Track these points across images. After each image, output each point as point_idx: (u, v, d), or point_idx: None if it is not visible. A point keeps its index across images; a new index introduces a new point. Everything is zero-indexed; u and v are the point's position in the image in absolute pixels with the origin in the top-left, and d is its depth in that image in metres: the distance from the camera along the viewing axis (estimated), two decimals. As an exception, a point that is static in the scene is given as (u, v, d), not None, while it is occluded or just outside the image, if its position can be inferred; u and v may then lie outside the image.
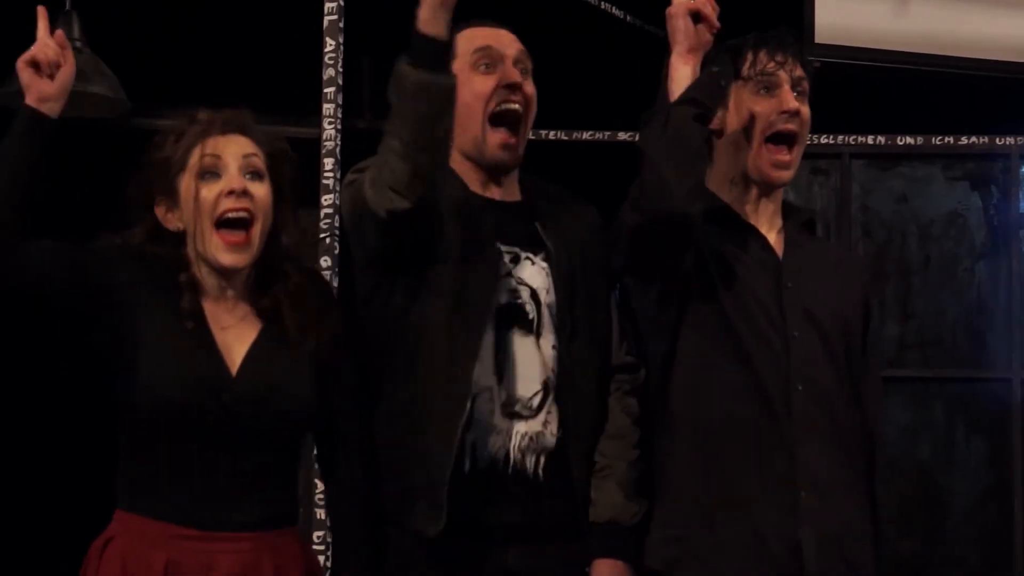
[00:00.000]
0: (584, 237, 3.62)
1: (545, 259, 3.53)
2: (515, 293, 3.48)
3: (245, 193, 3.24)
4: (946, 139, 6.51)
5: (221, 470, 3.23)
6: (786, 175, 3.72)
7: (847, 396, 3.62)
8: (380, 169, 3.30)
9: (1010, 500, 6.33)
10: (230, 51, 6.51)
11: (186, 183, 3.25)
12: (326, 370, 3.34)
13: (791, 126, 3.63)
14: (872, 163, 6.66)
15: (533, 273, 3.51)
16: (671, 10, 3.50)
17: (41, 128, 3.21)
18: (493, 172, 3.57)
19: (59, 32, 3.31)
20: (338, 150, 5.30)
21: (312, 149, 5.16)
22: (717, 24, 3.52)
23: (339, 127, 5.31)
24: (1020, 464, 6.30)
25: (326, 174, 5.07)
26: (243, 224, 3.24)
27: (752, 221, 3.69)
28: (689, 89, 3.47)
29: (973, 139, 6.43)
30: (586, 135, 6.45)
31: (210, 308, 3.29)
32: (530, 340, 3.47)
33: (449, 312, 3.42)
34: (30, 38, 3.26)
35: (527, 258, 3.52)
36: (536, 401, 3.46)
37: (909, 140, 6.58)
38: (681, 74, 3.50)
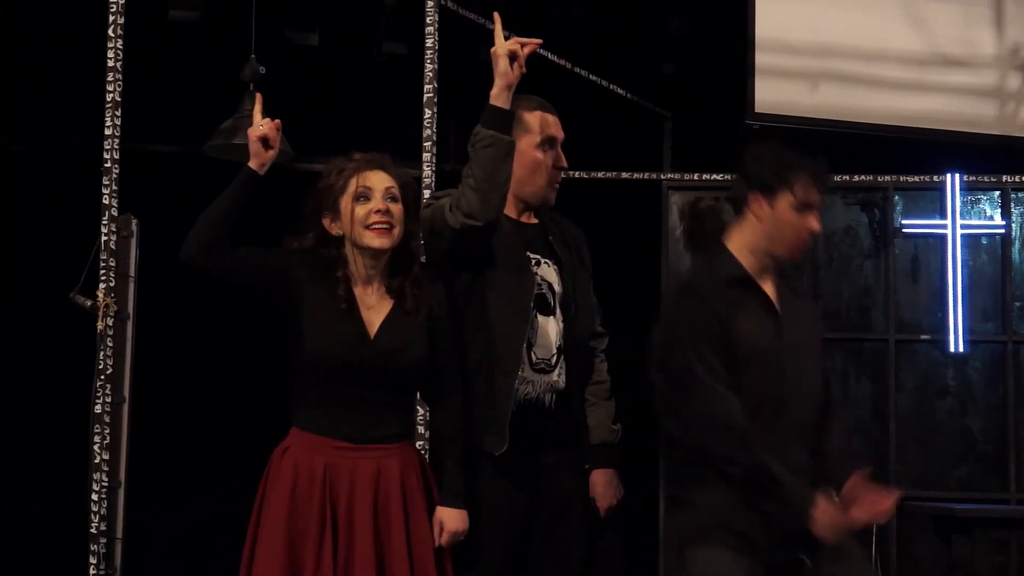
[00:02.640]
0: (577, 246, 3.65)
1: (556, 263, 3.56)
2: (539, 287, 3.50)
3: (387, 212, 3.28)
4: (844, 176, 6.48)
5: (363, 401, 3.27)
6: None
7: None
8: (459, 199, 3.33)
9: (887, 424, 6.29)
10: (362, 116, 6.54)
11: (345, 203, 3.29)
12: (434, 334, 3.36)
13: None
14: (793, 193, 6.61)
15: (548, 272, 3.56)
16: (495, 51, 3.34)
17: (255, 183, 3.29)
18: (532, 208, 3.58)
19: (277, 120, 3.35)
20: (433, 185, 5.32)
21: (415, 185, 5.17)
22: (524, 69, 3.34)
23: (434, 169, 5.33)
24: (892, 399, 6.27)
25: (424, 201, 5.08)
26: (386, 229, 3.28)
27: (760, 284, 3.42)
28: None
29: (862, 177, 6.40)
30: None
31: (359, 292, 3.31)
32: (549, 319, 3.51)
33: (503, 300, 3.45)
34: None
35: (545, 262, 3.56)
36: (553, 360, 3.48)
37: (818, 178, 6.53)
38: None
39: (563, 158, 3.60)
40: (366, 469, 3.24)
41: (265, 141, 3.31)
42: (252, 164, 3.30)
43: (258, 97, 3.44)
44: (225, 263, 3.26)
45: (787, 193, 3.35)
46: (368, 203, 3.28)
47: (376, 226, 3.27)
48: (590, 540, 3.59)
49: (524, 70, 3.33)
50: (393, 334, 3.28)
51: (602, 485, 3.63)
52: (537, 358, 3.49)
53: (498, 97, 3.32)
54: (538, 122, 3.56)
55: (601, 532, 3.64)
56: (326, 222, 3.32)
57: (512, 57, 3.31)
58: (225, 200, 3.26)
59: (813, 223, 3.38)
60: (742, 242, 3.43)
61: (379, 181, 3.31)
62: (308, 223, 3.34)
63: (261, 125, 3.31)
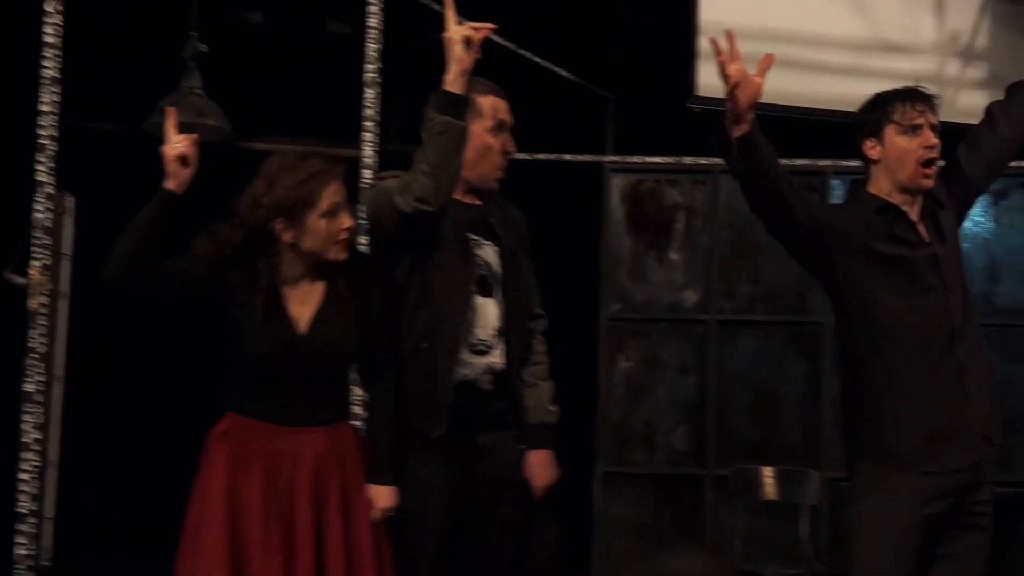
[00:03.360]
0: (517, 228, 3.66)
1: (497, 244, 3.57)
2: (480, 268, 3.51)
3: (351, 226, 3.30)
4: (784, 161, 6.49)
5: (298, 388, 3.27)
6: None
7: None
8: (410, 183, 3.32)
9: (819, 401, 6.37)
10: (302, 95, 6.51)
11: (314, 218, 3.23)
12: (368, 317, 3.36)
13: (933, 154, 3.50)
14: (733, 177, 6.64)
15: (489, 254, 3.55)
16: (449, 36, 3.30)
17: (174, 203, 3.24)
18: (476, 190, 3.59)
19: (194, 135, 3.29)
20: (374, 165, 5.29)
21: (356, 165, 5.15)
22: (478, 54, 3.31)
23: (376, 149, 5.30)
24: (827, 378, 6.33)
25: (365, 182, 5.06)
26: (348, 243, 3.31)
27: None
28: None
29: (802, 161, 6.45)
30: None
31: (289, 289, 3.30)
32: (489, 301, 3.52)
33: (446, 282, 3.46)
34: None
35: (486, 243, 3.56)
36: (492, 341, 3.50)
37: (759, 162, 6.58)
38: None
39: (511, 143, 3.60)
40: (305, 451, 3.24)
41: (183, 159, 3.24)
42: (169, 185, 3.23)
43: (170, 112, 3.32)
44: (149, 284, 3.23)
45: (889, 124, 3.49)
46: (337, 219, 3.26)
47: (342, 240, 3.28)
48: (525, 521, 3.61)
49: (479, 55, 3.31)
50: (324, 326, 3.28)
51: (538, 466, 3.65)
52: (476, 339, 3.49)
53: (453, 83, 3.29)
54: (490, 107, 3.55)
55: (536, 513, 3.66)
56: (277, 228, 3.25)
57: (466, 42, 3.29)
58: (143, 223, 3.20)
59: (928, 139, 3.47)
60: (876, 189, 3.54)
61: (341, 192, 3.29)
62: (249, 223, 3.26)
63: (177, 143, 3.24)
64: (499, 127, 3.56)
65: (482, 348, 3.49)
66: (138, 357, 6.57)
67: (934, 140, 3.47)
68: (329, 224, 3.25)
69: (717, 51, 3.33)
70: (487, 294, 3.52)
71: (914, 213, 3.51)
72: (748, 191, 3.48)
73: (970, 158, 3.62)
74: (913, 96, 3.51)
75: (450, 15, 3.32)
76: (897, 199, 3.50)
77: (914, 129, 3.47)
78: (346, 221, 3.27)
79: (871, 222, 3.47)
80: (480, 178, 3.57)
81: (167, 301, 3.32)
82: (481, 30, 3.31)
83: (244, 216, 3.25)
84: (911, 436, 3.36)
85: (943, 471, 3.35)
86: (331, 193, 3.25)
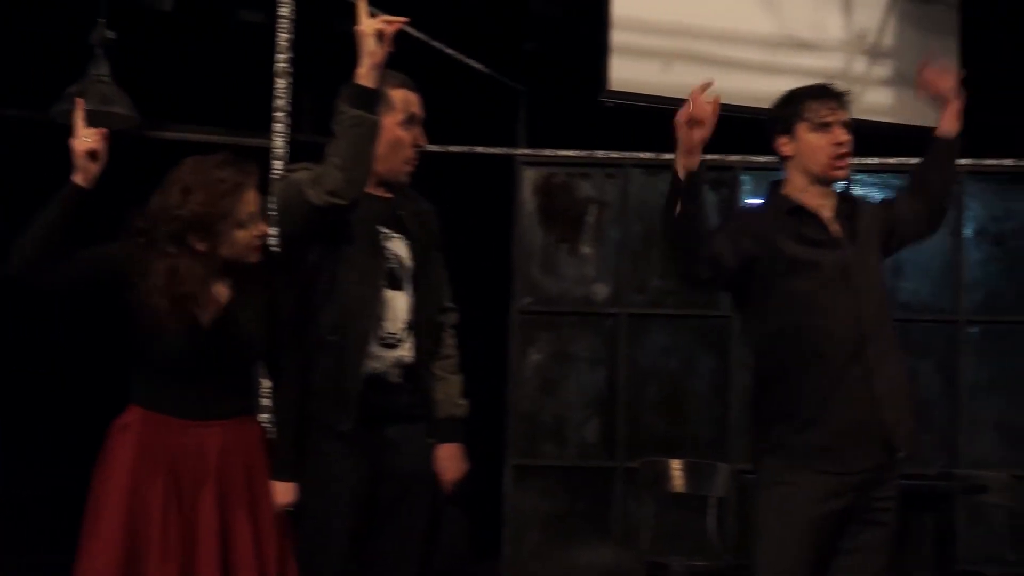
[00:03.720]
0: (427, 221, 3.66)
1: (406, 237, 3.56)
2: (389, 261, 3.50)
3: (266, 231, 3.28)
4: (694, 156, 6.57)
5: (203, 382, 3.24)
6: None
7: None
8: (322, 177, 3.29)
9: (727, 394, 6.43)
10: (211, 84, 6.43)
11: (230, 227, 3.21)
12: (274, 311, 3.34)
13: (844, 150, 3.57)
14: (646, 171, 6.71)
15: (399, 247, 3.54)
16: (361, 29, 3.25)
17: (81, 197, 3.17)
18: (387, 184, 3.58)
19: (103, 130, 3.22)
20: (285, 155, 5.25)
21: (266, 155, 5.12)
22: (391, 47, 3.28)
23: (287, 140, 5.27)
24: (735, 371, 6.39)
25: (275, 172, 5.02)
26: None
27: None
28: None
29: (711, 156, 6.46)
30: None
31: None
32: (398, 294, 3.51)
33: (355, 275, 3.44)
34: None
35: (395, 236, 3.55)
36: (401, 335, 3.49)
37: (669, 156, 6.58)
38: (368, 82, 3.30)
39: (422, 137, 3.59)
40: (210, 444, 3.22)
41: (93, 154, 3.19)
42: (77, 179, 3.17)
43: (79, 104, 3.25)
44: (54, 279, 3.16)
45: (801, 122, 3.55)
46: (253, 228, 3.25)
47: (258, 245, 3.27)
48: (434, 515, 3.60)
49: (391, 49, 3.28)
50: (230, 320, 3.26)
51: (447, 459, 3.64)
52: (385, 333, 3.48)
53: (366, 76, 3.26)
54: (402, 100, 3.54)
55: (445, 507, 3.65)
56: (192, 239, 3.21)
57: (379, 36, 3.26)
58: (50, 217, 3.13)
59: (838, 136, 3.53)
60: (790, 188, 3.59)
61: (256, 200, 3.27)
62: (163, 234, 3.20)
63: (87, 138, 3.18)
64: (410, 120, 3.55)
65: (391, 342, 3.48)
66: (41, 347, 6.45)
67: (844, 137, 3.53)
68: (245, 234, 3.24)
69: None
70: (396, 287, 3.51)
71: (827, 210, 3.56)
72: (684, 240, 3.41)
73: (906, 213, 3.71)
74: (824, 94, 3.57)
75: (362, 8, 3.29)
76: (811, 196, 3.55)
77: (825, 126, 3.53)
78: (262, 228, 3.26)
79: (783, 224, 3.51)
80: (390, 171, 3.56)
81: (73, 294, 3.27)
82: (393, 23, 3.27)
83: (158, 226, 3.20)
84: (814, 437, 3.40)
85: (845, 472, 3.40)
86: (247, 204, 3.23)
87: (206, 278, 3.24)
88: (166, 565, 3.11)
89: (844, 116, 3.56)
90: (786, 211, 3.54)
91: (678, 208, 3.31)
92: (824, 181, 3.56)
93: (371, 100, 3.28)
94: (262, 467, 3.30)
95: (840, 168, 3.54)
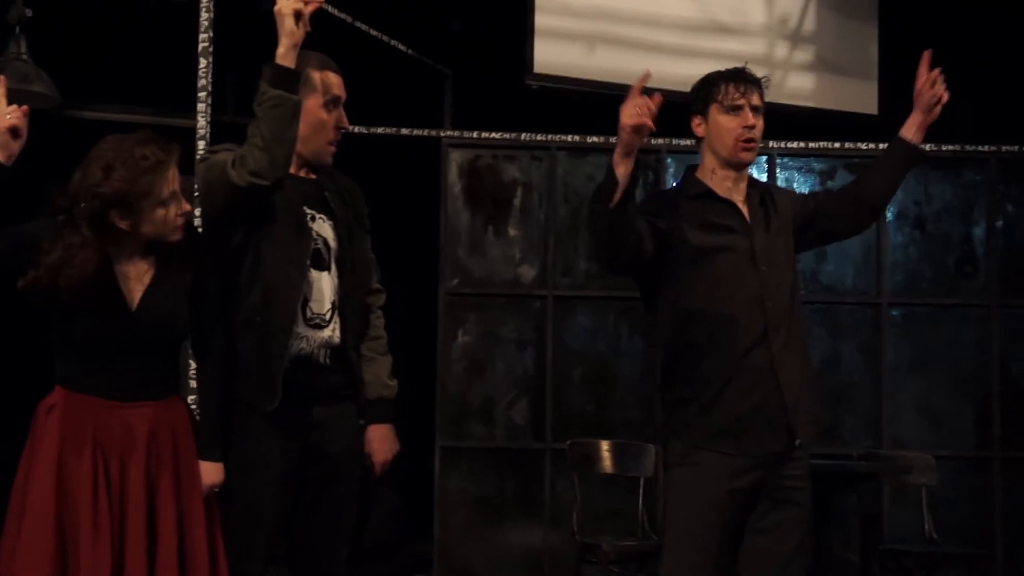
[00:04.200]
0: (353, 202, 3.64)
1: (331, 218, 3.53)
2: (315, 242, 3.47)
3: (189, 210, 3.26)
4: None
5: (132, 364, 3.21)
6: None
7: None
8: (244, 157, 3.27)
9: (654, 377, 6.43)
10: (132, 64, 6.34)
11: (153, 206, 3.16)
12: (198, 293, 3.31)
13: (751, 134, 3.58)
14: (571, 154, 6.71)
15: (324, 228, 3.52)
16: (278, 9, 3.24)
17: (3, 176, 3.13)
18: (310, 165, 3.56)
19: (24, 107, 3.17)
20: (208, 136, 5.20)
21: (190, 135, 5.06)
22: (308, 27, 3.25)
23: (209, 120, 5.21)
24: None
25: (199, 153, 4.96)
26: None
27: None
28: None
29: (637, 139, 6.49)
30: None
31: (119, 266, 3.22)
32: (324, 275, 3.49)
33: (280, 256, 3.41)
34: None
35: (320, 217, 3.52)
36: (328, 316, 3.47)
37: (595, 139, 6.64)
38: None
39: (345, 119, 3.57)
40: (137, 425, 3.19)
41: (14, 131, 3.13)
42: (2, 158, 3.13)
43: (1, 80, 3.18)
44: None
45: (713, 103, 3.57)
46: (174, 206, 3.21)
47: (180, 224, 3.23)
48: (364, 496, 3.58)
49: (309, 28, 3.27)
50: (155, 303, 3.23)
51: (377, 440, 3.62)
52: (312, 313, 3.45)
53: (285, 56, 3.24)
54: (323, 82, 3.51)
55: (375, 487, 3.63)
56: (114, 215, 3.15)
57: (297, 16, 3.24)
58: None
59: (747, 119, 3.54)
60: (702, 171, 3.63)
61: (177, 179, 3.22)
62: (84, 212, 3.14)
63: (8, 115, 3.12)
64: (333, 102, 3.53)
65: (318, 322, 3.46)
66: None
67: (752, 120, 3.55)
68: (167, 212, 3.20)
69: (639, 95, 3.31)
70: (321, 268, 3.49)
71: (737, 195, 3.58)
72: (615, 233, 3.38)
73: (831, 207, 3.71)
74: (737, 77, 3.59)
75: None
76: (721, 179, 3.58)
77: (735, 109, 3.55)
78: (184, 206, 3.23)
79: (691, 209, 3.53)
80: (314, 153, 3.54)
81: None
82: (311, 3, 3.26)
83: (78, 203, 3.14)
84: (716, 419, 3.43)
85: (746, 454, 3.42)
86: (168, 182, 3.19)
87: (130, 253, 3.20)
88: (98, 543, 3.07)
89: (755, 100, 3.58)
90: (693, 195, 3.57)
91: (613, 202, 3.29)
92: (732, 164, 3.58)
93: (291, 80, 3.27)
94: (190, 447, 3.27)
95: (747, 151, 3.56)
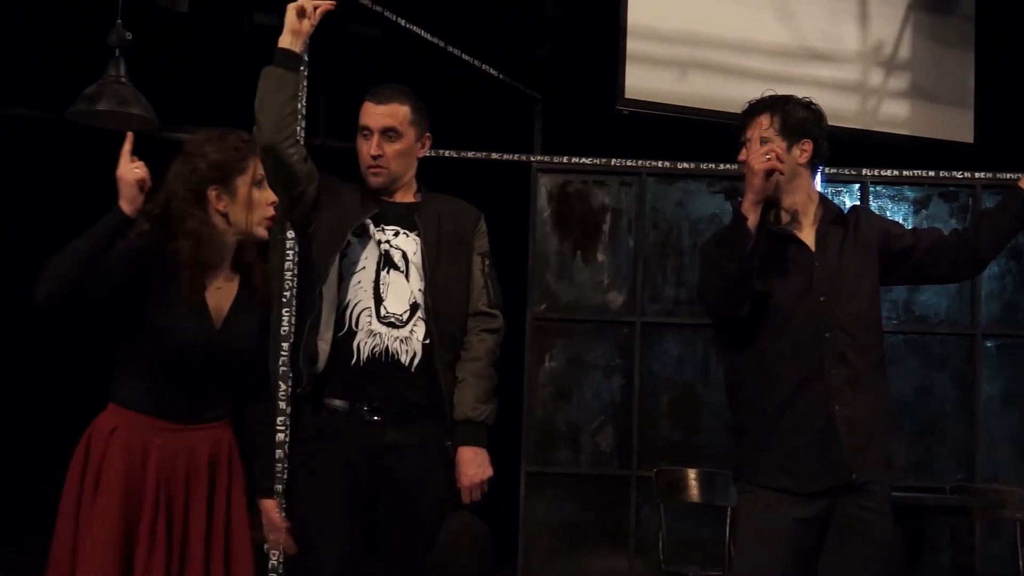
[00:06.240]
0: (454, 222, 3.68)
1: (418, 235, 3.59)
2: (390, 250, 3.58)
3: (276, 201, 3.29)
4: (709, 165, 6.57)
5: (198, 384, 3.21)
6: None
7: None
8: (258, 133, 3.47)
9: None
10: (228, 86, 6.42)
11: (243, 184, 3.19)
12: (264, 317, 3.37)
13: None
14: (661, 180, 6.69)
15: (406, 242, 3.59)
16: (291, 5, 3.51)
17: (127, 227, 3.13)
18: (383, 188, 3.67)
19: (142, 163, 3.20)
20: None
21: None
22: (314, 23, 3.52)
23: (303, 143, 5.24)
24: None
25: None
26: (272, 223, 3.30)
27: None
28: None
29: (726, 166, 6.47)
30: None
31: (207, 277, 3.23)
32: (399, 276, 3.56)
33: (354, 262, 3.58)
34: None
35: (403, 233, 3.60)
36: (405, 317, 3.54)
37: (685, 165, 6.62)
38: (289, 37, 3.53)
39: (375, 147, 3.63)
40: (201, 447, 3.19)
41: (141, 184, 3.14)
42: (125, 208, 3.11)
43: (128, 137, 3.21)
44: (83, 301, 3.10)
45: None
46: (265, 192, 3.23)
47: (270, 216, 3.24)
48: (440, 519, 3.57)
49: (314, 24, 3.55)
50: (238, 323, 3.24)
51: (462, 464, 3.57)
52: (387, 311, 3.53)
53: (282, 40, 3.54)
54: (360, 112, 3.67)
55: (457, 511, 3.59)
56: (212, 194, 3.17)
57: (301, 12, 3.51)
58: (91, 245, 3.06)
59: (743, 155, 3.43)
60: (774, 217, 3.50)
61: (262, 167, 3.27)
62: (182, 190, 3.16)
63: (136, 168, 3.13)
64: (361, 131, 3.66)
65: (394, 321, 3.52)
66: (26, 344, 6.43)
67: (742, 157, 3.43)
68: (258, 194, 3.21)
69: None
70: (397, 271, 3.57)
71: (804, 221, 3.46)
72: (740, 283, 3.33)
73: (931, 247, 3.55)
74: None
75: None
76: (784, 214, 3.46)
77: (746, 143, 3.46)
78: (272, 196, 3.25)
79: (766, 252, 3.41)
80: (364, 176, 3.70)
81: (99, 308, 3.17)
82: (320, 6, 3.53)
83: (177, 183, 3.17)
84: (768, 456, 3.38)
85: (800, 491, 3.35)
86: (256, 164, 3.23)
87: (220, 260, 3.22)
88: (155, 549, 3.08)
89: (746, 133, 3.46)
90: (766, 237, 3.42)
91: (745, 251, 3.25)
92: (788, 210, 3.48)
93: (290, 60, 3.55)
94: (239, 471, 3.27)
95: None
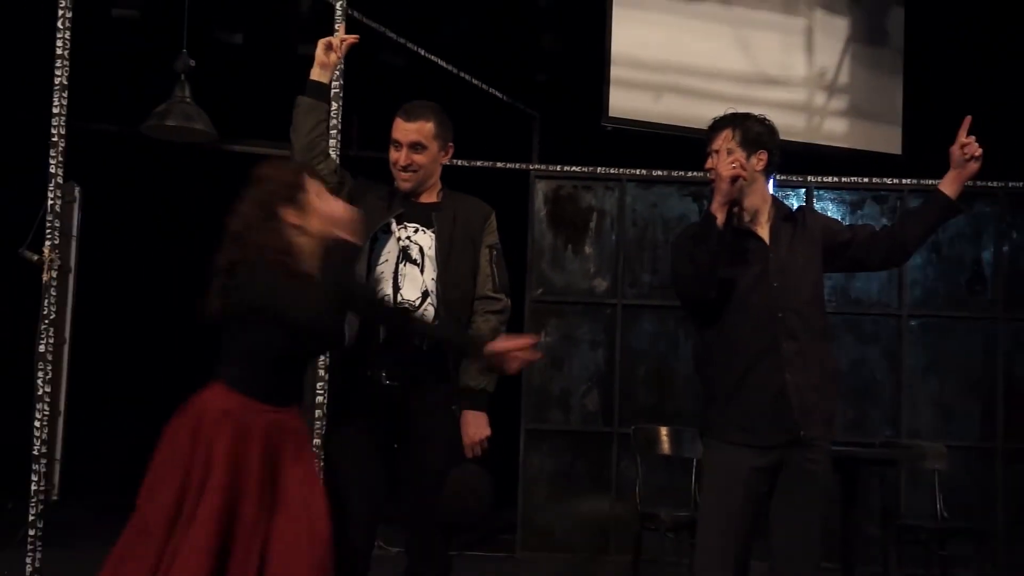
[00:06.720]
0: (466, 220, 3.60)
1: (434, 232, 3.53)
2: (408, 246, 3.51)
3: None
4: (680, 172, 6.58)
5: (300, 370, 3.13)
6: None
7: None
8: (292, 152, 3.44)
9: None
10: (276, 105, 6.43)
11: (310, 198, 3.06)
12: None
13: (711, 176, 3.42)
14: (639, 185, 6.70)
15: (423, 238, 3.52)
16: (321, 40, 3.46)
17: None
18: (411, 191, 3.59)
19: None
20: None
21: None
22: (340, 56, 3.48)
23: (338, 153, 5.25)
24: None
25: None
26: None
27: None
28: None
29: (694, 173, 6.47)
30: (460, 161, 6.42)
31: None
32: (414, 268, 3.50)
33: (379, 254, 3.51)
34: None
35: (422, 230, 3.53)
36: (417, 303, 3.48)
37: (659, 172, 6.63)
38: None
39: (404, 158, 3.54)
40: (289, 427, 3.05)
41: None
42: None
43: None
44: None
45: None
46: (330, 200, 3.11)
47: (343, 215, 3.09)
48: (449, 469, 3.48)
49: (340, 56, 3.50)
50: (329, 313, 3.07)
51: (464, 424, 3.48)
52: (403, 298, 3.47)
53: (313, 72, 3.48)
54: (393, 126, 3.58)
55: (464, 463, 3.55)
56: (286, 212, 3.02)
57: (328, 46, 3.47)
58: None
59: (709, 164, 3.40)
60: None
61: (322, 184, 3.19)
62: (263, 212, 3.02)
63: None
64: (392, 143, 3.56)
65: (407, 307, 3.46)
66: (132, 323, 6.46)
67: (708, 165, 3.41)
68: (324, 204, 3.07)
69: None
70: (413, 263, 3.50)
71: (760, 218, 3.44)
72: (708, 274, 3.30)
73: (865, 241, 3.53)
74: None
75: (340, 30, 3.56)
76: (747, 218, 3.42)
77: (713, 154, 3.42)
78: (339, 202, 3.15)
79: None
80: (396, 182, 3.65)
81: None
82: (346, 41, 3.51)
83: (257, 210, 3.03)
84: (731, 417, 3.36)
85: (759, 444, 3.34)
86: (314, 182, 3.10)
87: (310, 260, 3.06)
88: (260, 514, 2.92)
89: (712, 145, 3.42)
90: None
91: (716, 245, 3.24)
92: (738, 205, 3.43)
93: (319, 92, 3.48)
94: (309, 452, 3.15)
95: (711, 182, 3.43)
